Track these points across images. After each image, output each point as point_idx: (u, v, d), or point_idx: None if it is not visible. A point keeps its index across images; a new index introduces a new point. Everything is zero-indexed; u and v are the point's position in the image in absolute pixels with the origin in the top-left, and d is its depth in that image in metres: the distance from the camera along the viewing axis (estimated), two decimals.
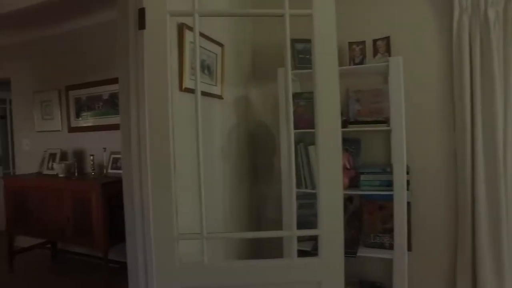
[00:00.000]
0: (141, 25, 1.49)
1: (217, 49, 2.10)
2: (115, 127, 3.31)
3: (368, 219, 2.13)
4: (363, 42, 2.18)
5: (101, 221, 2.70)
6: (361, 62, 2.17)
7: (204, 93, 1.86)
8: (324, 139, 1.44)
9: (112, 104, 3.34)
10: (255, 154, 2.63)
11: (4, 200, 3.39)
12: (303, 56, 2.30)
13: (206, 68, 1.99)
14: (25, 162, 4.03)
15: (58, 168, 3.11)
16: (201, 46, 1.89)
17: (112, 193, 2.80)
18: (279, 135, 2.26)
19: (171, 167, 1.47)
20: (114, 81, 3.45)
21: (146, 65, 1.47)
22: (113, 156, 3.10)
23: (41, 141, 3.87)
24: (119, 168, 3.02)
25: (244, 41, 2.56)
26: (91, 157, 3.06)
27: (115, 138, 3.32)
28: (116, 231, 2.83)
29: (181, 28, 1.67)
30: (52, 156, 3.42)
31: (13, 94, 4.14)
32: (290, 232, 1.44)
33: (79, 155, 3.54)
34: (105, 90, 3.39)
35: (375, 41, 2.17)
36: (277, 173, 2.47)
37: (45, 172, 3.41)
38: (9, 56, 4.16)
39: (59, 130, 3.72)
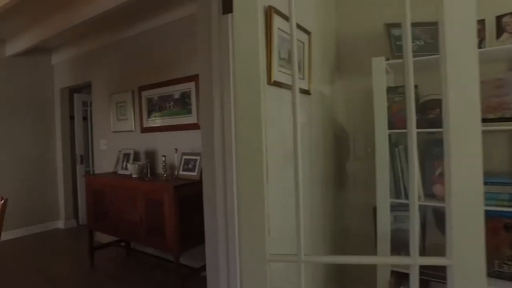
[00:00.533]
0: (226, 8, 1.29)
1: (304, 37, 1.85)
2: (186, 127, 3.24)
3: (491, 242, 1.70)
4: (482, 21, 1.77)
5: (174, 225, 2.62)
6: (478, 46, 1.75)
7: (290, 88, 1.62)
8: (459, 142, 1.10)
9: (183, 103, 3.28)
10: (342, 157, 2.33)
11: (85, 197, 3.52)
12: (401, 43, 1.94)
13: None
14: (102, 161, 4.20)
15: (131, 169, 3.12)
16: (289, 33, 1.66)
17: (185, 195, 2.71)
18: (371, 135, 1.94)
19: (263, 174, 1.26)
20: (186, 79, 3.42)
21: (236, 53, 1.27)
22: (184, 157, 3.02)
23: (116, 141, 3.99)
24: (191, 170, 2.93)
25: (328, 29, 2.27)
26: (163, 158, 3.02)
27: (187, 138, 3.25)
28: (188, 235, 2.74)
29: (269, 12, 1.45)
30: (126, 156, 3.48)
31: (93, 96, 4.34)
32: (411, 260, 1.13)
33: (151, 156, 3.55)
34: (176, 89, 3.34)
35: (499, 17, 1.74)
36: (363, 179, 2.15)
37: (120, 172, 3.47)
38: (90, 60, 4.37)
39: (132, 131, 3.79)
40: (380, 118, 1.93)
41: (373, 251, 1.96)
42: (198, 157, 2.93)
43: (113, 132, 4.02)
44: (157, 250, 3.33)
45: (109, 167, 4.01)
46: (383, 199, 1.89)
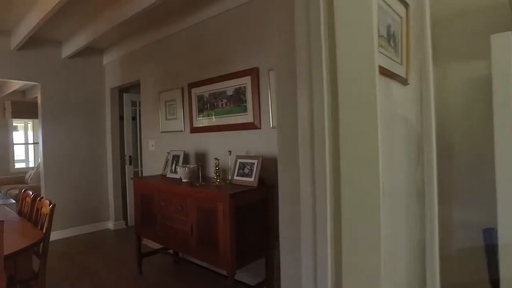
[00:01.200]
0: None
1: (402, 11, 1.42)
2: (240, 127, 2.92)
3: None
4: None
5: (229, 237, 2.30)
6: None
7: (385, 73, 1.21)
8: None
9: (237, 100, 2.97)
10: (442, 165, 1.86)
11: (134, 201, 3.34)
12: None
13: (392, 38, 1.33)
14: (151, 163, 4.03)
15: (181, 172, 2.86)
16: (385, 3, 1.25)
17: (241, 204, 2.39)
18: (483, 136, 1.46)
19: (379, 186, 0.87)
20: (240, 74, 3.09)
21: (338, 25, 0.90)
22: (239, 160, 2.70)
23: (165, 142, 3.79)
24: (247, 175, 2.60)
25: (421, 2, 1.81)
26: (216, 162, 2.71)
27: (241, 139, 2.93)
28: (245, 249, 2.41)
29: None
30: (175, 158, 3.24)
31: (142, 95, 4.19)
32: None
33: (201, 158, 3.28)
34: (229, 85, 3.03)
35: None
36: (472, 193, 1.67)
37: (169, 175, 3.24)
38: (139, 58, 4.23)
39: (181, 131, 3.56)
40: (503, 115, 1.46)
41: None
42: (255, 161, 2.59)
43: (162, 132, 3.82)
44: (210, 264, 3.05)
45: (157, 169, 3.82)
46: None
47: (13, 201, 4.80)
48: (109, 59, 4.75)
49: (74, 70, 4.60)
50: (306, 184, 1.03)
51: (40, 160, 4.32)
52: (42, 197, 2.41)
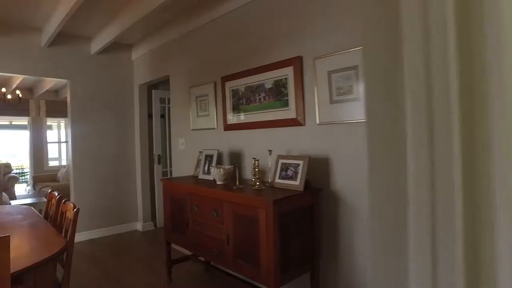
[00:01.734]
0: None
1: None
2: (280, 123, 2.61)
3: None
4: None
5: (271, 249, 1.99)
6: None
7: None
8: None
9: (277, 94, 2.65)
10: None
11: (163, 204, 3.11)
12: None
13: None
14: (181, 163, 3.79)
15: (215, 174, 2.58)
16: None
17: (286, 212, 2.07)
18: None
19: None
20: (280, 64, 2.73)
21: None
22: (281, 161, 2.38)
23: (196, 141, 3.54)
24: (291, 178, 2.28)
25: None
26: (255, 162, 2.41)
27: (282, 137, 2.61)
28: (289, 263, 2.09)
29: None
30: (208, 158, 2.96)
31: (171, 91, 3.97)
32: None
33: (236, 158, 2.99)
34: (268, 77, 2.72)
35: None
36: None
37: (201, 176, 2.97)
38: (168, 52, 4.01)
39: (214, 128, 3.29)
40: None
41: None
42: (300, 162, 2.26)
43: (193, 130, 3.57)
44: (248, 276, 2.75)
45: (188, 170, 3.58)
46: None
47: (45, 199, 4.73)
48: (137, 54, 4.58)
49: (103, 66, 4.46)
50: (421, 185, 0.70)
51: (70, 155, 4.19)
52: (67, 200, 2.21)
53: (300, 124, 2.50)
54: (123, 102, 4.65)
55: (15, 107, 7.76)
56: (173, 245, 3.08)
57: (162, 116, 4.85)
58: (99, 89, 4.41)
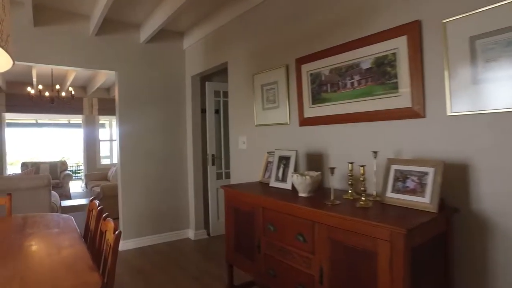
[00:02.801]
0: None
1: None
2: (386, 115, 1.90)
3: None
4: None
5: None
6: None
7: None
8: None
9: (380, 75, 1.95)
10: None
11: (225, 217, 2.54)
12: None
13: None
14: (242, 165, 3.21)
15: (299, 183, 1.93)
16: None
17: (418, 246, 1.37)
18: None
19: None
20: (386, 35, 2.00)
21: None
22: (395, 167, 1.68)
23: (261, 139, 2.93)
24: (414, 193, 1.57)
25: None
26: (361, 168, 1.72)
27: (387, 134, 1.90)
28: None
29: None
30: (283, 161, 2.32)
31: (230, 81, 3.40)
32: None
33: (316, 161, 2.33)
34: (366, 54, 2.02)
35: None
36: None
37: (273, 184, 2.34)
38: (225, 37, 3.45)
39: (285, 123, 2.65)
40: None
41: None
42: (429, 170, 1.55)
43: (257, 126, 2.97)
44: None
45: (250, 174, 2.99)
46: None
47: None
48: (189, 42, 4.08)
49: (152, 57, 4.02)
50: None
51: (117, 154, 3.81)
52: (107, 216, 1.69)
53: (417, 116, 1.78)
54: (174, 96, 4.18)
55: (70, 106, 7.78)
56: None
57: (217, 111, 4.32)
58: (148, 81, 3.98)
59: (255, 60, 3.00)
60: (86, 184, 7.00)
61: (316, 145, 2.38)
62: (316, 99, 2.37)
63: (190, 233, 4.25)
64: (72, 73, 5.79)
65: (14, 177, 3.57)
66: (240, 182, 3.11)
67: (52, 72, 5.74)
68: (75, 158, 13.05)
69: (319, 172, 1.95)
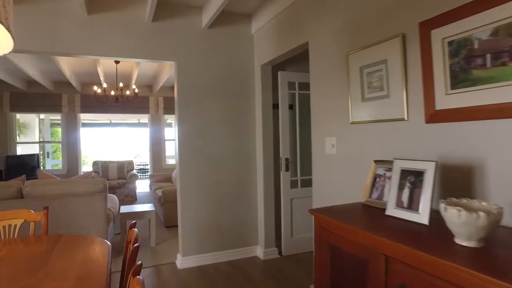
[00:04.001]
0: None
1: None
2: None
3: None
4: None
5: None
6: None
7: None
8: None
9: None
10: None
11: (314, 253, 1.80)
12: None
13: None
14: (330, 177, 2.43)
15: (459, 222, 1.09)
16: None
17: None
18: None
19: None
20: None
21: None
22: None
23: (361, 141, 2.13)
24: None
25: None
26: None
27: None
28: None
29: None
30: (409, 177, 1.49)
31: (312, 66, 2.64)
32: None
33: (463, 179, 1.47)
34: None
35: None
36: None
37: (392, 212, 1.53)
38: (304, 11, 2.70)
39: (401, 119, 1.82)
40: None
41: None
42: None
43: (353, 123, 2.17)
44: None
45: (343, 189, 2.21)
46: None
47: (152, 208, 4.03)
48: (259, 24, 3.42)
49: (216, 44, 3.44)
50: None
51: (176, 158, 3.31)
52: (139, 270, 1.06)
53: None
54: (241, 89, 3.56)
55: (135, 105, 7.72)
56: None
57: (291, 106, 3.60)
58: (211, 73, 3.41)
59: (348, 34, 2.20)
60: (150, 185, 6.82)
61: (459, 153, 1.52)
62: (461, 80, 1.51)
63: (259, 251, 3.60)
64: (135, 70, 5.55)
65: (69, 181, 3.26)
66: (328, 201, 2.36)
67: (116, 70, 5.57)
68: (144, 158, 13.45)
69: (498, 207, 1.09)
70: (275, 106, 3.57)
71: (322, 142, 2.49)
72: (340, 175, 2.29)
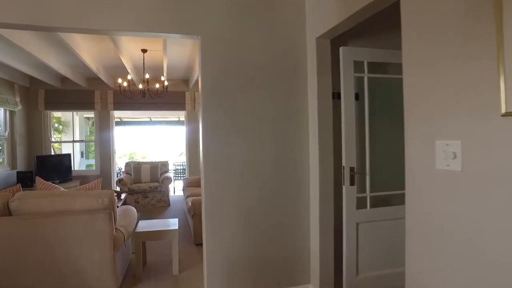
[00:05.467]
0: None
1: None
2: None
3: None
4: None
5: None
6: None
7: None
8: None
9: None
10: None
11: None
12: None
13: None
14: (448, 210, 1.39)
15: None
16: None
17: None
18: None
19: None
20: None
21: None
22: None
23: None
24: None
25: None
26: None
27: None
28: None
29: None
30: None
31: (406, 23, 1.61)
32: None
33: None
34: None
35: None
36: None
37: None
38: None
39: None
40: None
41: None
42: None
43: (507, 115, 1.14)
44: None
45: (485, 245, 1.19)
46: None
47: (175, 225, 3.24)
48: None
49: (252, 10, 2.54)
50: None
51: (200, 166, 2.46)
52: None
53: None
54: (287, 74, 2.62)
55: (171, 101, 7.10)
56: None
57: (357, 96, 2.60)
58: (246, 51, 2.52)
59: None
60: (183, 190, 6.12)
61: None
62: None
63: None
64: (165, 60, 4.83)
65: (66, 194, 2.56)
66: (442, 262, 1.35)
67: (144, 60, 4.89)
68: (181, 158, 13.00)
69: None
70: (336, 96, 2.59)
71: (428, 149, 1.47)
72: (470, 213, 1.26)
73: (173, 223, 3.30)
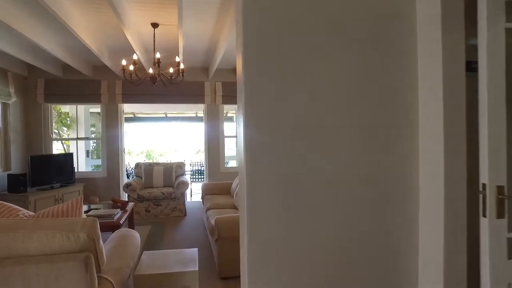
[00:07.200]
0: None
1: None
2: None
3: None
4: None
5: None
6: None
7: None
8: None
9: None
10: None
11: None
12: None
13: None
14: None
15: None
16: None
17: None
18: None
19: None
20: None
21: None
22: None
23: None
24: None
25: None
26: None
27: None
28: None
29: None
30: None
31: None
32: None
33: None
34: None
35: None
36: None
37: None
38: None
39: None
40: None
41: None
42: None
43: None
44: None
45: None
46: None
47: (195, 263, 2.26)
48: None
49: None
50: None
51: (240, 182, 1.44)
52: None
53: None
54: (382, 33, 1.59)
55: (188, 92, 6.15)
56: None
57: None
58: (312, 17, 1.50)
59: None
60: (202, 200, 5.15)
61: None
62: None
63: None
64: (180, 37, 3.83)
65: (20, 224, 1.58)
66: None
67: (154, 37, 3.90)
68: (198, 156, 12.05)
69: None
70: (471, 68, 1.54)
71: None
72: None
73: (191, 258, 2.31)
